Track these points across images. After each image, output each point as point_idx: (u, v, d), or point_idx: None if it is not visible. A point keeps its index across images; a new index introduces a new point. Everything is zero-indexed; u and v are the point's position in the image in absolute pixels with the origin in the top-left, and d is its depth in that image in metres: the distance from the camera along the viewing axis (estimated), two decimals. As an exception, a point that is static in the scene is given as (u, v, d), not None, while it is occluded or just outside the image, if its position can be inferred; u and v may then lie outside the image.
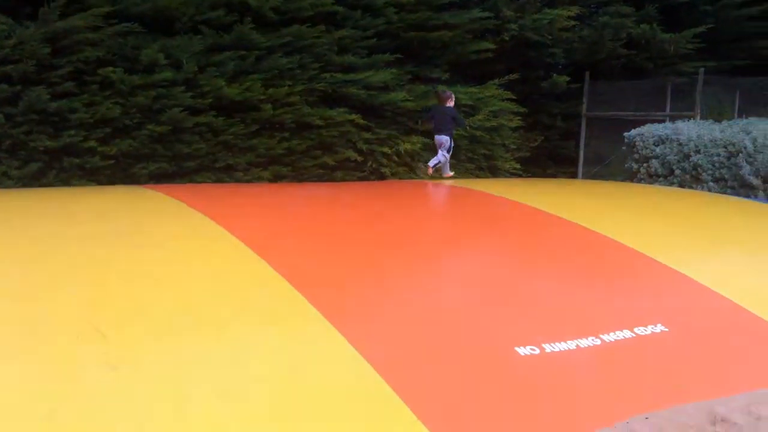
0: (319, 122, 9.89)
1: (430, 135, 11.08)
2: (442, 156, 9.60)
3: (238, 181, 9.54)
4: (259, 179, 9.66)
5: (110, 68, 8.52)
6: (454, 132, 9.82)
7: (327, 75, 9.94)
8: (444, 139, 9.54)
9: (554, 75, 12.85)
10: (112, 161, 8.74)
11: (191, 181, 9.24)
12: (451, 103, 9.60)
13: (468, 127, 10.90)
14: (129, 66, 8.71)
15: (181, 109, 8.85)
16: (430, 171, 9.59)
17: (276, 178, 9.86)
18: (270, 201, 6.13)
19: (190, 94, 8.94)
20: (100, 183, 8.67)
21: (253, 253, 3.93)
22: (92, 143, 8.51)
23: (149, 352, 2.94)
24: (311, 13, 9.78)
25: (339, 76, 10.01)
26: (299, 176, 10.10)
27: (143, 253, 3.98)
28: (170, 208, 5.17)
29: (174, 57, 8.92)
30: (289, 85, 9.58)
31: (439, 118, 9.66)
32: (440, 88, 10.56)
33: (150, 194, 6.07)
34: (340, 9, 10.01)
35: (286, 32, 9.59)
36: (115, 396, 2.63)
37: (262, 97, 9.38)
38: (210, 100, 9.10)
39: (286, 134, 9.80)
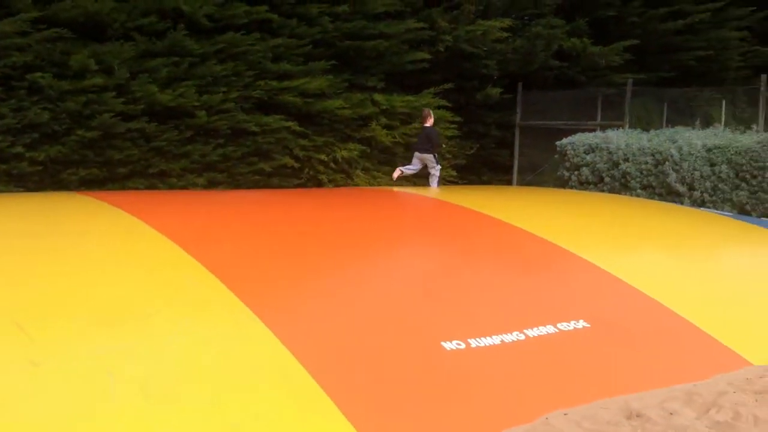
0: (255, 129, 9.87)
1: (367, 142, 11.18)
2: (410, 169, 9.96)
3: (171, 187, 9.43)
4: (193, 186, 9.58)
5: (38, 73, 8.35)
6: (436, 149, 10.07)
7: (262, 82, 9.93)
8: (422, 157, 9.79)
9: (488, 86, 13.07)
10: (41, 167, 8.56)
11: (123, 187, 9.10)
12: (428, 122, 9.80)
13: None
14: (58, 71, 8.56)
15: (113, 114, 8.72)
16: (395, 176, 9.96)
17: (211, 185, 9.79)
18: (203, 203, 6.09)
19: (121, 99, 8.82)
20: (28, 189, 8.48)
21: (183, 251, 3.90)
22: (19, 149, 8.32)
23: (72, 348, 2.90)
24: (246, 20, 9.76)
25: (274, 83, 10.01)
26: (235, 183, 10.04)
27: (68, 252, 3.91)
28: (98, 210, 5.09)
29: (105, 63, 8.79)
30: (223, 92, 9.54)
31: (419, 136, 10.02)
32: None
33: (78, 198, 5.96)
34: (275, 17, 10.01)
35: (220, 39, 9.55)
36: (37, 392, 2.58)
37: (196, 104, 9.31)
38: (142, 106, 9.00)
39: (222, 141, 9.75)
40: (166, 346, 2.99)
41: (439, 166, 9.96)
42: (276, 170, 10.38)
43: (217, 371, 2.90)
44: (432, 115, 9.91)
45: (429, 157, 9.77)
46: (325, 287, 3.86)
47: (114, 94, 8.77)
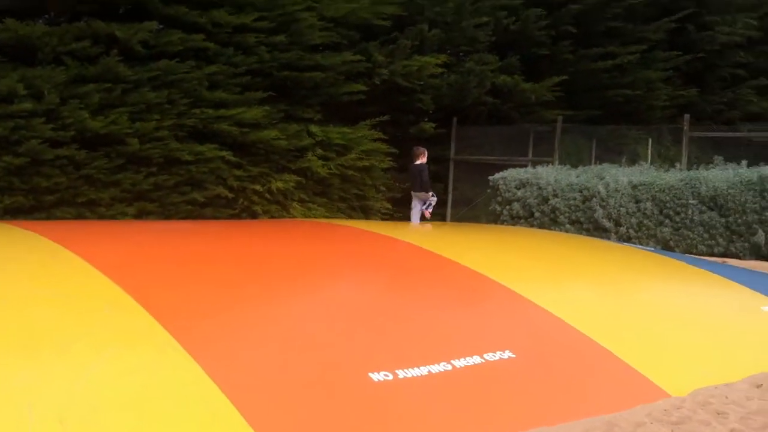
0: (188, 158, 9.76)
1: (303, 173, 11.16)
2: (418, 207, 9.62)
3: (101, 216, 9.22)
4: (123, 215, 9.38)
5: (-38, 97, 8.13)
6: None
7: (197, 110, 9.86)
8: (416, 196, 9.58)
9: (423, 121, 13.27)
10: (-37, 194, 8.29)
11: (50, 216, 8.87)
12: (419, 160, 9.50)
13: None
14: (-16, 95, 8.35)
15: (41, 140, 8.52)
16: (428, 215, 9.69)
17: (141, 215, 9.61)
18: (132, 232, 5.99)
19: (51, 125, 8.64)
20: (-52, 215, 8.20)
21: (107, 278, 3.83)
22: (-60, 175, 8.06)
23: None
24: (181, 48, 9.71)
25: (210, 111, 9.95)
26: (166, 213, 9.89)
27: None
28: (22, 238, 4.95)
29: (35, 87, 8.61)
30: (157, 120, 9.43)
31: (410, 176, 9.77)
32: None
33: (1, 226, 5.80)
34: (212, 45, 9.98)
35: (155, 66, 9.46)
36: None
37: (128, 131, 9.17)
38: (72, 132, 8.82)
39: (154, 169, 9.61)
40: (86, 375, 2.92)
41: (428, 202, 9.66)
42: (209, 200, 10.27)
43: (140, 401, 2.84)
44: (425, 153, 9.64)
45: (421, 195, 9.57)
46: (251, 318, 3.83)
47: (43, 119, 8.59)
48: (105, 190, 9.26)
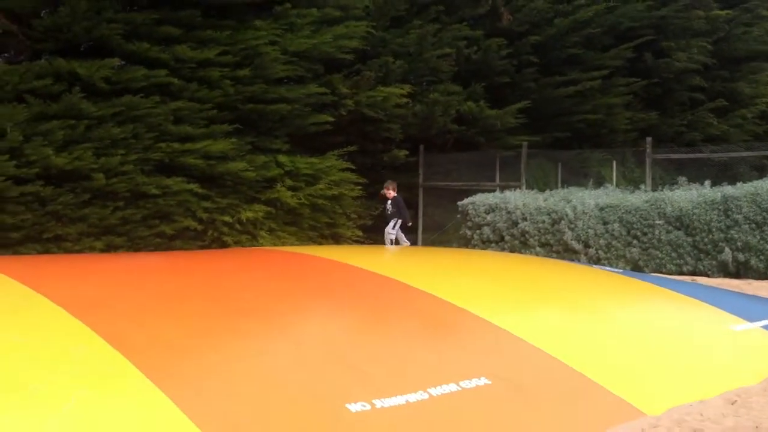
0: (155, 191, 9.70)
1: (273, 204, 11.14)
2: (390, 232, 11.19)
3: (67, 252, 9.10)
4: (91, 250, 9.27)
5: (-77, 135, 8.01)
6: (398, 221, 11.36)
7: (163, 144, 9.81)
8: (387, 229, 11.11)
9: (394, 149, 13.36)
10: None
11: (15, 253, 8.72)
12: (388, 194, 11.29)
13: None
14: (-55, 133, 8.24)
15: (4, 178, 8.41)
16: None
17: (109, 249, 9.51)
18: (96, 268, 5.89)
19: (14, 163, 8.53)
20: None
21: (71, 316, 3.76)
22: None
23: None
24: (144, 83, 9.67)
25: (176, 145, 9.91)
26: (135, 246, 9.80)
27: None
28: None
29: (-3, 125, 8.52)
30: (122, 155, 9.37)
31: (394, 209, 11.42)
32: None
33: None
34: (176, 81, 9.96)
35: (118, 102, 9.41)
36: None
37: (93, 167, 9.10)
38: (37, 169, 8.73)
39: (121, 203, 9.53)
40: (55, 417, 2.85)
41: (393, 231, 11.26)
42: (179, 233, 10.20)
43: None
44: (388, 188, 11.40)
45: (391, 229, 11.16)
46: (226, 353, 3.79)
47: (6, 157, 8.48)
48: (72, 225, 9.16)
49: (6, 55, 9.63)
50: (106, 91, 9.42)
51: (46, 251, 8.98)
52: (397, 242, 11.21)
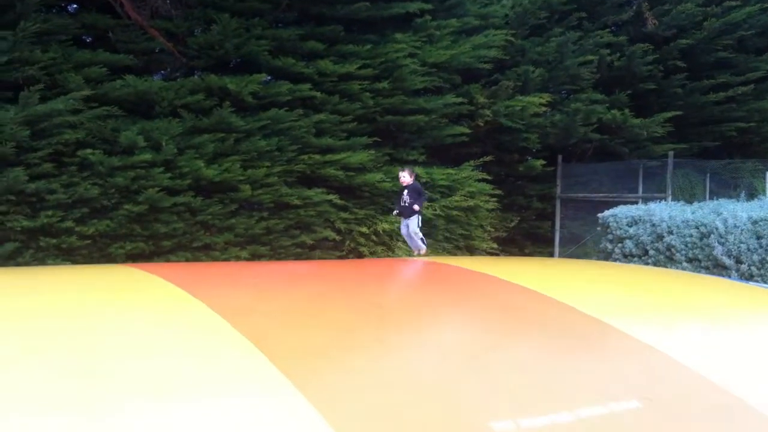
0: (297, 202, 10.00)
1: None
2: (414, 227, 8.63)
3: (215, 260, 9.53)
4: (236, 259, 9.67)
5: (89, 150, 8.61)
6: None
7: (305, 156, 10.11)
8: (412, 230, 8.54)
9: (530, 158, 13.15)
10: (89, 241, 8.74)
11: (167, 260, 9.22)
12: (404, 181, 8.57)
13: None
14: (108, 148, 8.83)
15: (159, 189, 8.91)
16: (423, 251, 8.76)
17: (254, 258, 9.89)
18: (245, 274, 6.11)
19: (168, 175, 9.03)
20: (76, 263, 8.64)
21: (223, 319, 3.90)
22: (69, 223, 8.52)
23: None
24: (289, 97, 10.01)
25: (317, 157, 10.19)
26: (277, 255, 10.14)
27: (111, 324, 3.94)
28: (146, 283, 5.14)
29: (153, 139, 9.05)
30: (267, 167, 9.72)
31: (408, 197, 8.51)
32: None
33: (126, 270, 6.03)
34: (318, 94, 10.25)
35: (265, 116, 9.79)
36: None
37: (240, 178, 9.50)
38: (189, 180, 9.20)
39: (265, 214, 9.90)
40: (206, 418, 2.97)
41: (419, 229, 8.68)
42: (318, 243, 10.47)
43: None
44: (406, 171, 8.65)
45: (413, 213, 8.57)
46: (368, 360, 3.81)
47: (162, 169, 9.00)
48: (219, 234, 9.59)
49: (163, 72, 10.22)
50: (253, 105, 9.82)
51: (195, 259, 9.43)
52: (421, 240, 8.73)
